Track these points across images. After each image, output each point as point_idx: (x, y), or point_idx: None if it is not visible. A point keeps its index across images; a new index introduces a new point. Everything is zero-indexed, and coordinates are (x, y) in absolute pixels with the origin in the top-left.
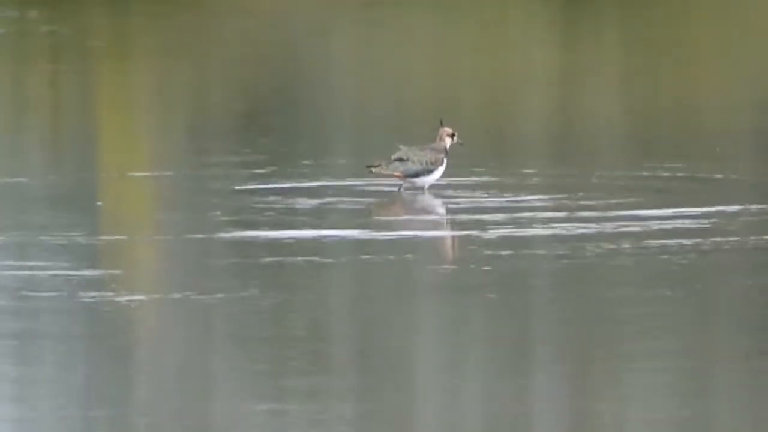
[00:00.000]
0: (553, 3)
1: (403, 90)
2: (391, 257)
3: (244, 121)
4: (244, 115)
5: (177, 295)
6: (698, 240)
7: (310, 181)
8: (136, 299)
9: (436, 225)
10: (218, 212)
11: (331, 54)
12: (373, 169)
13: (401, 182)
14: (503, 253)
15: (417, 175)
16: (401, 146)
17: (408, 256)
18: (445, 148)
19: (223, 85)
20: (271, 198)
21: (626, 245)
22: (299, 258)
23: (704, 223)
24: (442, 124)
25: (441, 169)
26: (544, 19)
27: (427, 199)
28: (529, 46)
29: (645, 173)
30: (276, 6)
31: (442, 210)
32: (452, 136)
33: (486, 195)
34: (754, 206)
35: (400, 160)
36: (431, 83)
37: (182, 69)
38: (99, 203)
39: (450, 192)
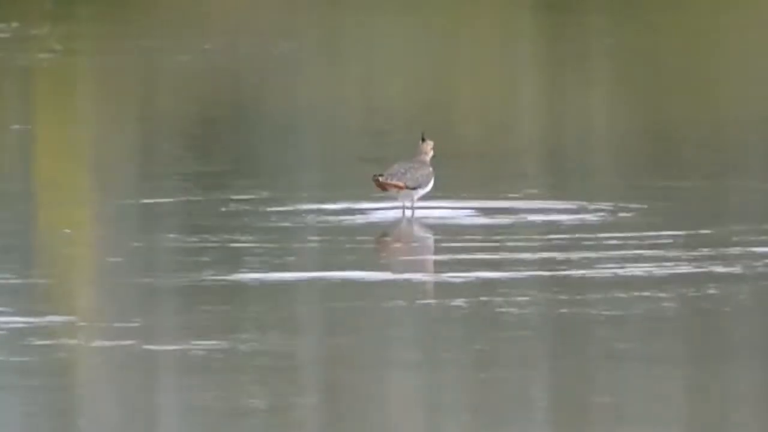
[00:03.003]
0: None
1: (371, 99)
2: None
3: (200, 140)
4: (200, 135)
5: (130, 343)
6: None
7: (281, 207)
8: (93, 345)
9: (441, 266)
10: (177, 251)
11: (294, 60)
12: (380, 178)
13: (399, 194)
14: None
15: (416, 188)
16: (394, 164)
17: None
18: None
19: (178, 97)
20: (231, 235)
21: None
22: (270, 303)
23: None
24: (423, 139)
25: (431, 184)
26: (514, 20)
27: (421, 233)
28: (506, 52)
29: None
30: (237, 10)
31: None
32: (433, 149)
33: (488, 233)
34: None
35: (400, 172)
36: (402, 92)
37: (136, 77)
38: (66, 231)
39: (449, 223)
